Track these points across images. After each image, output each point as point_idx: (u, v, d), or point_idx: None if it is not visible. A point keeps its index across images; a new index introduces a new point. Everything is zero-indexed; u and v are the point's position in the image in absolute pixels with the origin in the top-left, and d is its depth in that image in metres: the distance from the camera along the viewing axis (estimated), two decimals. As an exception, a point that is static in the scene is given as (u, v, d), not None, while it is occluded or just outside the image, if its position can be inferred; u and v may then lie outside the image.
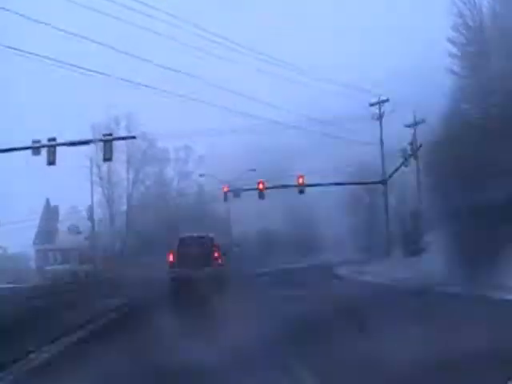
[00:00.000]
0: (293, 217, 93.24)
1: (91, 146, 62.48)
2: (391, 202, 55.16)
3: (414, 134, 49.44)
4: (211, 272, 19.90)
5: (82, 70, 30.22)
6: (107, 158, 28.96)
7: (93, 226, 58.02)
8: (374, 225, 61.50)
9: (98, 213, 68.92)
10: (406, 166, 38.24)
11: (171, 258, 20.17)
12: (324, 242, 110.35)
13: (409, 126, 49.47)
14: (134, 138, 29.29)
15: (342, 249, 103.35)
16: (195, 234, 22.35)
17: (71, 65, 27.75)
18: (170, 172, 72.92)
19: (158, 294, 22.33)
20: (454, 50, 41.63)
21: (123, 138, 29.69)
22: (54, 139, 28.98)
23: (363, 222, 64.66)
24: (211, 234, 22.92)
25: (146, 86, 40.61)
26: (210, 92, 41.51)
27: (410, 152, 36.29)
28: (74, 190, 64.01)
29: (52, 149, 28.75)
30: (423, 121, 48.91)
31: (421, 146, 37.10)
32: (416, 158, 36.58)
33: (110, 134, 28.92)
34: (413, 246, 36.77)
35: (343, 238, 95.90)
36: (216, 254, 20.26)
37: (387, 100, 45.98)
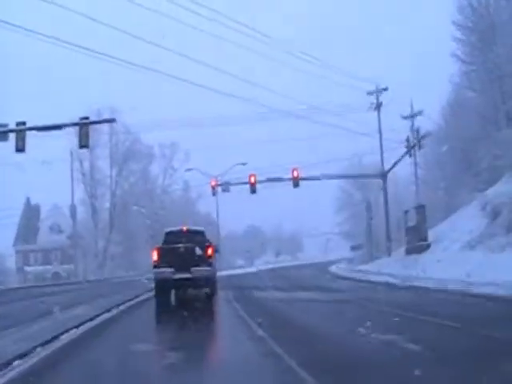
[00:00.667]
0: (282, 213, 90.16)
1: (72, 141, 59.29)
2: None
3: (412, 125, 46.33)
4: (203, 273, 16.11)
5: (64, 44, 26.05)
6: (83, 145, 25.15)
7: (74, 225, 53.89)
8: (366, 221, 58.12)
9: (81, 211, 65.16)
10: (411, 155, 34.68)
11: (155, 255, 16.29)
12: (311, 239, 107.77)
13: (406, 118, 46.32)
14: (113, 121, 25.41)
15: (332, 247, 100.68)
16: (184, 228, 18.52)
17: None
18: (155, 169, 69.07)
19: (138, 301, 18.47)
20: (459, 34, 38.48)
21: (101, 122, 25.82)
22: (23, 123, 25.07)
23: (355, 218, 61.30)
24: (202, 228, 19.19)
25: (142, 66, 35.49)
26: (202, 76, 37.42)
27: (414, 141, 32.59)
28: (56, 187, 59.71)
29: (21, 134, 24.82)
30: (420, 112, 45.97)
31: (429, 134, 33.60)
32: (420, 147, 33.05)
33: (87, 118, 25.04)
34: (418, 243, 33.27)
35: (332, 236, 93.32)
36: (209, 252, 16.44)
37: (386, 89, 42.47)
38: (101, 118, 60.67)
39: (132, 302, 17.39)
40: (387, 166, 43.32)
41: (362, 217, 59.15)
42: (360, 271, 34.98)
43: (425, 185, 47.66)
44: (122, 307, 15.68)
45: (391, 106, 42.76)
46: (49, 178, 59.38)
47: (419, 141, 32.08)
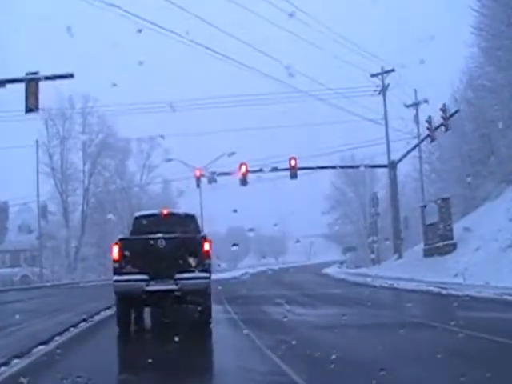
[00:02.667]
0: (265, 214, 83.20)
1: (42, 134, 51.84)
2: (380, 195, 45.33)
3: (416, 114, 40.24)
4: (195, 283, 9.28)
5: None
6: (31, 108, 18.13)
7: (39, 223, 46.66)
8: (359, 220, 51.93)
9: (52, 209, 57.66)
10: (433, 140, 28.19)
11: (117, 253, 9.35)
12: (294, 241, 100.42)
13: (410, 106, 40.18)
14: (71, 76, 18.28)
15: (316, 250, 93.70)
16: (164, 211, 11.58)
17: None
18: (132, 165, 61.34)
19: (91, 326, 11.42)
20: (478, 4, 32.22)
21: (55, 78, 18.68)
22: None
23: (346, 218, 54.89)
24: (192, 212, 12.23)
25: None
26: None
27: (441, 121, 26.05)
28: (26, 182, 51.88)
29: None
30: (426, 100, 39.90)
31: (457, 111, 27.18)
32: (447, 129, 26.54)
33: (36, 73, 18.03)
34: (439, 243, 26.89)
35: (316, 239, 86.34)
36: (206, 248, 9.56)
37: (392, 70, 35.99)
38: (74, 107, 54.37)
39: (77, 330, 10.31)
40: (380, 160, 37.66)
41: (355, 217, 52.96)
42: (369, 276, 28.43)
43: (429, 180, 41.50)
44: (55, 342, 8.66)
45: (397, 91, 36.54)
46: (17, 171, 51.65)
47: (447, 119, 25.55)
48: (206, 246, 9.64)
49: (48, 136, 52.51)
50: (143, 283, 9.29)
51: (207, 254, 9.66)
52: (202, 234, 10.43)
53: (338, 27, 42.32)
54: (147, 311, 11.55)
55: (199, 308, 10.01)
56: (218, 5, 34.48)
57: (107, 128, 53.78)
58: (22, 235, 66.55)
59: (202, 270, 9.52)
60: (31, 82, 17.88)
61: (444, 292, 17.14)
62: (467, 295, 15.91)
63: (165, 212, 11.43)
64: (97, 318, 12.25)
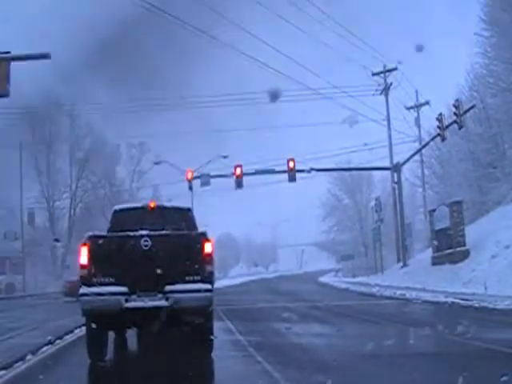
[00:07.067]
0: (255, 222, 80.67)
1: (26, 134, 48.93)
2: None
3: (418, 116, 38.07)
4: (195, 298, 6.59)
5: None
6: (2, 94, 15.36)
7: (22, 228, 43.81)
8: (355, 228, 49.42)
9: (38, 214, 54.66)
10: (444, 139, 25.65)
11: (85, 257, 6.63)
12: (284, 250, 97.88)
13: (410, 108, 38.07)
14: (47, 57, 15.52)
15: (307, 258, 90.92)
16: (151, 204, 8.84)
17: None
18: (121, 171, 58.41)
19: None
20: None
21: (29, 58, 15.98)
22: None
23: (341, 226, 52.32)
24: (187, 206, 9.54)
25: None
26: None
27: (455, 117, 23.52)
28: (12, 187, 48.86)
29: None
30: (427, 102, 37.88)
31: (473, 106, 24.74)
32: (461, 126, 24.02)
33: (8, 52, 15.35)
34: (450, 250, 24.40)
35: (307, 247, 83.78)
36: (208, 250, 6.86)
37: (395, 68, 33.66)
38: (60, 111, 51.40)
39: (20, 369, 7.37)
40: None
41: (350, 224, 50.51)
42: (374, 285, 25.84)
43: (427, 185, 39.14)
44: None
45: (397, 93, 34.15)
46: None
47: (461, 115, 23.11)
48: (208, 247, 6.99)
49: (34, 139, 49.81)
50: (121, 298, 6.65)
51: (209, 258, 7.02)
52: (201, 231, 7.72)
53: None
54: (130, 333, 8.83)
55: (197, 330, 7.34)
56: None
57: (96, 131, 51.07)
58: (7, 242, 63.53)
59: (203, 280, 6.87)
60: (1, 63, 15.13)
61: (476, 305, 14.55)
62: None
63: (152, 205, 8.72)
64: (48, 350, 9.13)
